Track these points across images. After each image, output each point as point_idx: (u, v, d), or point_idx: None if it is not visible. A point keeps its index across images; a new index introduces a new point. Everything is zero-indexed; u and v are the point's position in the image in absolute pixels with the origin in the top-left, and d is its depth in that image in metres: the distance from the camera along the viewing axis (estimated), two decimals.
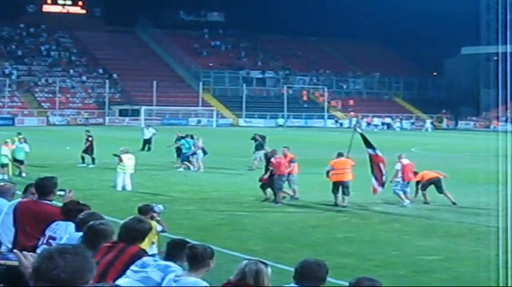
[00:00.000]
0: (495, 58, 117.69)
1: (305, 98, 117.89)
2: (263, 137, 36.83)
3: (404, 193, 24.39)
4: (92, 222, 7.47)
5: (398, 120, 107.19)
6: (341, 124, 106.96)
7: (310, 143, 61.52)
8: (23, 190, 11.05)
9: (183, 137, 37.99)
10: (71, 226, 8.44)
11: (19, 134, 36.85)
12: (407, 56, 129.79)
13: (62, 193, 10.21)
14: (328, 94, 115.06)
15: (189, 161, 35.92)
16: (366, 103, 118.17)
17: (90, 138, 37.29)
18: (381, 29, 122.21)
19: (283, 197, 24.78)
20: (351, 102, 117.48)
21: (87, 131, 38.99)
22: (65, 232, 8.44)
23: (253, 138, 37.37)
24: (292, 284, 7.32)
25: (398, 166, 24.71)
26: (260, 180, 25.75)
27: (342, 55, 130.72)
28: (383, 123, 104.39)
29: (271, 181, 24.88)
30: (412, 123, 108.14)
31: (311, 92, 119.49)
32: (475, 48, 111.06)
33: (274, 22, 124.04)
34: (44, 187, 9.84)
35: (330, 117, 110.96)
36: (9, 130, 57.52)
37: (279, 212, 23.01)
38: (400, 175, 24.45)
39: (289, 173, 25.09)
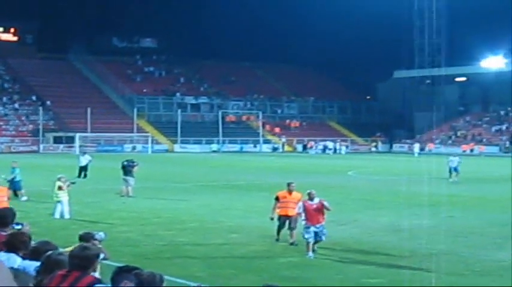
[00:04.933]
0: (428, 81, 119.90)
1: (240, 123, 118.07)
2: (132, 164, 36.26)
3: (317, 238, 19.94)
4: (50, 252, 7.31)
5: (342, 144, 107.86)
6: (276, 149, 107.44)
7: (246, 168, 61.59)
8: None
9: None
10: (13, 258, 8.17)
11: None
12: (341, 81, 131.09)
13: (19, 226, 9.75)
14: (263, 119, 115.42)
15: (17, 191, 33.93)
16: (301, 128, 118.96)
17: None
18: (314, 54, 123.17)
19: None
20: (286, 127, 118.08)
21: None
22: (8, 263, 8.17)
23: (124, 166, 36.34)
24: None
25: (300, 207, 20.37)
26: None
27: (276, 80, 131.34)
28: (325, 147, 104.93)
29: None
30: (347, 147, 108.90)
31: (246, 117, 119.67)
32: (407, 72, 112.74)
33: (208, 47, 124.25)
34: (3, 217, 9.44)
35: (265, 142, 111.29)
36: None
37: (220, 238, 22.90)
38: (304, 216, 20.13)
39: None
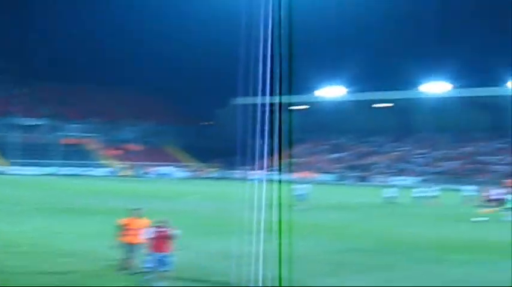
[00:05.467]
0: (267, 109, 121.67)
1: (78, 146, 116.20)
2: None
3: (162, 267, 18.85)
4: None
5: (180, 169, 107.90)
6: (114, 172, 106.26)
7: (82, 191, 60.55)
8: None
9: None
10: None
11: None
12: (181, 106, 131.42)
13: None
14: (102, 142, 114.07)
15: None
16: (140, 152, 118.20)
17: None
18: (155, 79, 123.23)
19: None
20: (125, 150, 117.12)
21: None
22: None
23: None
24: None
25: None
26: None
27: (116, 103, 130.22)
28: (163, 172, 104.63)
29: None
30: (185, 172, 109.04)
31: (85, 140, 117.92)
32: (246, 99, 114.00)
33: (47, 69, 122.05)
34: None
35: (103, 165, 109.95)
36: None
37: (52, 262, 22.29)
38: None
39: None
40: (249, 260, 23.02)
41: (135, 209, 21.29)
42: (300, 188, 48.96)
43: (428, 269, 22.61)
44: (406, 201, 59.39)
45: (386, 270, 22.12)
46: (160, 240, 18.83)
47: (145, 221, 20.53)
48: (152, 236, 18.85)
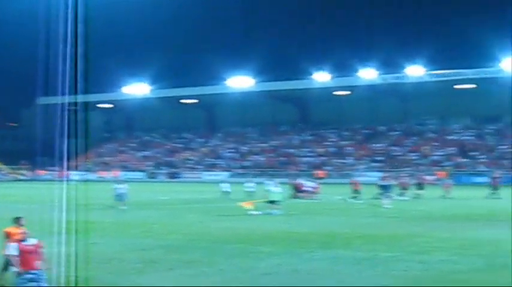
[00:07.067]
0: (72, 108, 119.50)
1: None
2: None
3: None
4: None
5: None
6: None
7: None
8: None
9: None
10: None
11: None
12: None
13: None
14: None
15: None
16: None
17: None
18: None
19: None
20: None
21: None
22: None
23: None
24: None
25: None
26: None
27: None
28: None
29: None
30: None
31: None
32: (50, 99, 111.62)
33: None
34: None
35: None
36: None
37: None
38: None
39: None
40: (59, 261, 22.59)
41: (16, 218, 18.94)
42: (119, 188, 48.42)
43: (237, 262, 22.94)
44: (216, 196, 60.09)
45: (195, 266, 22.26)
46: (30, 255, 16.32)
47: (19, 231, 17.58)
48: (25, 249, 16.31)
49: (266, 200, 43.72)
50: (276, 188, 43.99)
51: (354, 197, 55.32)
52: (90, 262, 19.52)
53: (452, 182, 64.05)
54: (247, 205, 42.97)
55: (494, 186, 58.31)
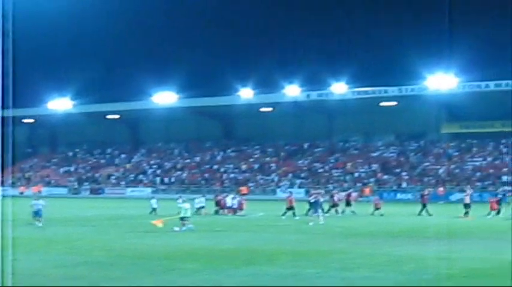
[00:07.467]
0: None
1: None
2: None
3: None
4: None
5: None
6: None
7: None
8: None
9: None
10: None
11: None
12: None
13: None
14: None
15: None
16: None
17: None
18: None
19: None
20: None
21: None
22: None
23: None
24: None
25: None
26: None
27: None
28: None
29: None
30: None
31: None
32: None
33: None
34: None
35: None
36: None
37: None
38: None
39: None
40: None
41: None
42: (36, 204, 47.59)
43: (161, 279, 22.87)
44: (140, 212, 59.75)
45: (119, 282, 22.11)
46: None
47: None
48: None
49: (177, 216, 43.45)
50: (184, 204, 43.76)
51: (285, 214, 54.65)
52: (12, 279, 19.30)
53: (380, 199, 64.49)
54: (157, 223, 42.68)
55: (423, 203, 58.82)
